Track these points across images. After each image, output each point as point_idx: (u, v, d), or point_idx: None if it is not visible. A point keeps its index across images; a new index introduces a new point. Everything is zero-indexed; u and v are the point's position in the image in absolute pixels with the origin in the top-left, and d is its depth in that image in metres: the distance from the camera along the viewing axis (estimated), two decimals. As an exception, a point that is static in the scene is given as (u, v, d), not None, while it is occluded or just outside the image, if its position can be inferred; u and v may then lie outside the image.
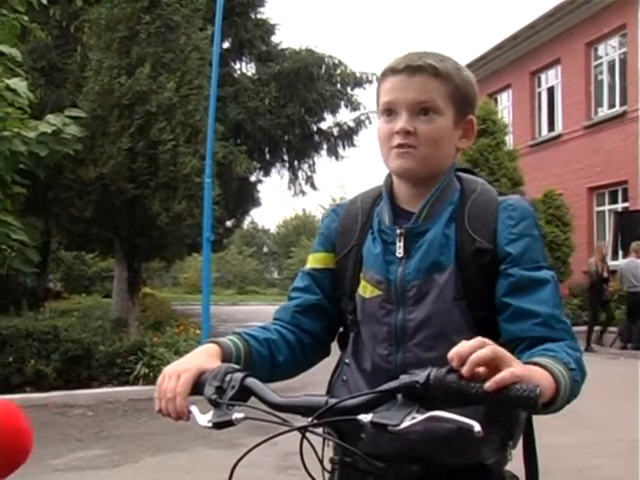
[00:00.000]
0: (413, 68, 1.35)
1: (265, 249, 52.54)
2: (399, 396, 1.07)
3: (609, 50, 18.09)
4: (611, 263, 15.86)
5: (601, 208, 18.11)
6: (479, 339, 1.05)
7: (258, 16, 17.26)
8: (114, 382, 8.36)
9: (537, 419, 1.40)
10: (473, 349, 1.02)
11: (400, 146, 1.35)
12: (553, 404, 1.14)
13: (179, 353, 8.76)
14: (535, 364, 1.14)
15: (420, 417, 1.03)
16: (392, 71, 1.39)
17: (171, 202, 9.29)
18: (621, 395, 8.15)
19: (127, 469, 5.31)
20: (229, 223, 18.74)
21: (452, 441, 1.23)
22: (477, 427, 0.98)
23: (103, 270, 24.47)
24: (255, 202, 19.24)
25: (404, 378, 1.07)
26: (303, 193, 18.98)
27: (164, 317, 13.09)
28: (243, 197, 17.09)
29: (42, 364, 8.00)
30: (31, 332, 8.23)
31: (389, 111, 1.38)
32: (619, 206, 17.23)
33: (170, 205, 9.28)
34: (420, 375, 1.05)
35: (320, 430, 1.13)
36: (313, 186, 18.87)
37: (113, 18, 9.52)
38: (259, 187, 18.90)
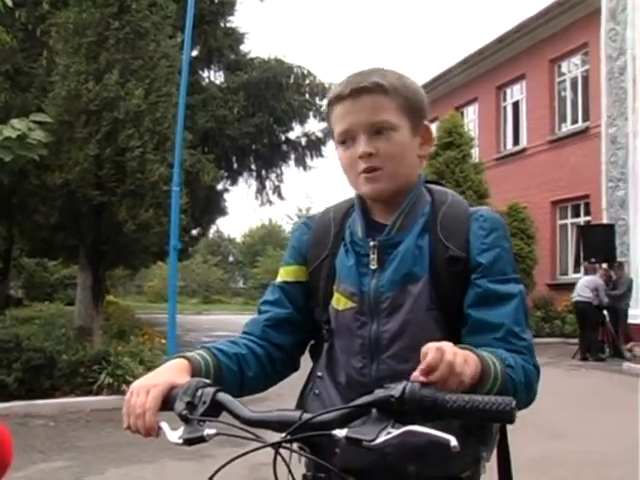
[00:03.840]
0: (358, 90, 1.35)
1: (230, 258, 52.34)
2: (374, 410, 1.06)
3: (572, 67, 18.49)
4: (572, 276, 16.16)
5: (564, 221, 18.45)
6: (432, 348, 1.06)
7: (227, 25, 17.28)
8: (77, 392, 8.20)
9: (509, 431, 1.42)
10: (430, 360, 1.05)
11: (367, 171, 1.36)
12: (480, 385, 1.14)
13: (144, 363, 8.66)
14: (467, 349, 1.14)
15: (395, 432, 1.02)
16: (338, 99, 1.39)
17: (138, 210, 9.20)
18: (586, 406, 8.29)
19: (90, 481, 5.22)
20: (195, 232, 18.63)
21: (426, 455, 1.24)
22: (453, 441, 0.98)
23: (66, 277, 24.05)
24: (221, 211, 19.17)
25: (379, 392, 1.06)
26: (270, 203, 19.03)
27: (128, 326, 12.92)
28: (210, 206, 17.01)
29: (3, 373, 7.82)
30: (-8, 340, 8.06)
31: (346, 138, 1.39)
32: (581, 220, 17.57)
33: (137, 213, 9.18)
34: (395, 389, 1.04)
35: (294, 446, 1.12)
36: (280, 196, 18.92)
37: (81, 23, 9.42)
38: (226, 196, 18.86)
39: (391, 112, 1.36)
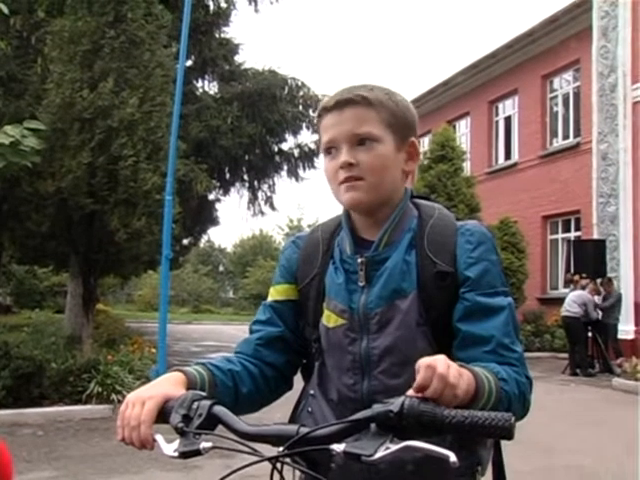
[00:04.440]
0: (342, 102, 1.37)
1: (221, 268, 52.18)
2: (372, 425, 1.06)
3: (563, 83, 18.63)
4: (563, 290, 16.21)
5: (554, 236, 18.52)
6: (423, 365, 1.06)
7: (222, 35, 17.30)
8: (66, 401, 8.13)
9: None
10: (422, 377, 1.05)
11: (347, 180, 1.36)
12: (475, 401, 1.14)
13: (134, 372, 8.61)
14: (462, 366, 1.14)
15: (394, 447, 1.02)
16: (325, 110, 1.41)
17: (130, 218, 9.18)
18: (576, 421, 8.29)
19: (77, 491, 5.18)
20: (186, 241, 18.60)
21: (422, 470, 1.24)
22: (453, 457, 0.98)
23: (55, 285, 23.94)
24: (213, 221, 19.14)
25: (377, 407, 1.06)
26: (262, 213, 18.99)
27: (118, 335, 12.86)
28: (201, 215, 16.99)
29: (-9, 381, 7.76)
30: (-20, 348, 7.99)
31: (330, 149, 1.40)
32: (572, 235, 17.65)
33: (129, 221, 9.17)
34: (394, 404, 1.04)
35: (290, 460, 1.11)
36: (272, 206, 18.90)
37: (77, 31, 9.43)
38: (217, 206, 18.84)
39: (375, 124, 1.37)
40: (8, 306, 21.00)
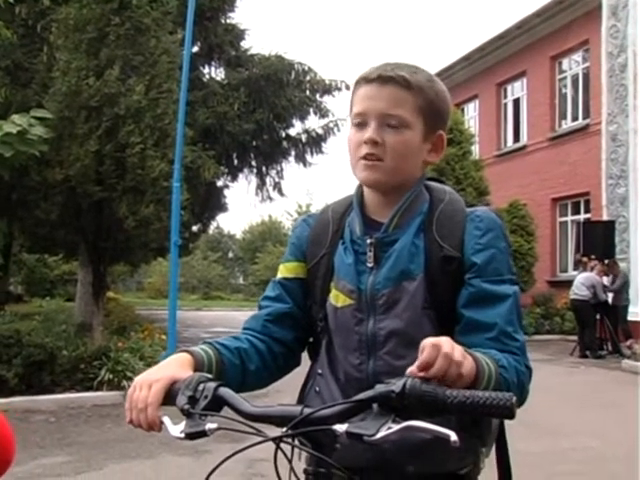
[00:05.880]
0: (385, 78, 1.36)
1: (230, 254, 52.28)
2: (375, 406, 1.06)
3: (572, 64, 18.47)
4: (572, 273, 16.16)
5: (564, 219, 18.45)
6: (428, 344, 1.07)
7: (228, 21, 17.25)
8: (77, 388, 8.22)
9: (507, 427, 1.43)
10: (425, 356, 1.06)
11: (367, 157, 1.36)
12: (475, 385, 1.14)
13: (144, 359, 8.67)
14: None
15: (396, 427, 1.03)
16: (365, 80, 1.39)
17: (138, 206, 9.21)
18: (585, 403, 8.30)
19: (91, 476, 5.23)
20: (195, 228, 18.63)
21: (424, 451, 1.25)
22: (453, 437, 0.98)
23: (66, 273, 24.08)
24: (222, 207, 19.17)
25: (380, 387, 1.06)
26: (270, 199, 19.00)
27: (128, 322, 12.95)
28: (210, 202, 17.01)
29: (3, 369, 7.83)
30: (-8, 336, 8.07)
31: (360, 120, 1.39)
32: (581, 217, 17.57)
33: (137, 209, 9.19)
34: (396, 384, 1.05)
35: (295, 440, 1.12)
36: (280, 192, 18.90)
37: (82, 19, 9.41)
38: (226, 192, 18.85)
39: (408, 109, 1.36)
40: (19, 295, 21.16)
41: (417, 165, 1.42)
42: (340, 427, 1.06)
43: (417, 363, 1.07)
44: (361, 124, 1.39)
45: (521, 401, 1.29)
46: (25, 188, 9.70)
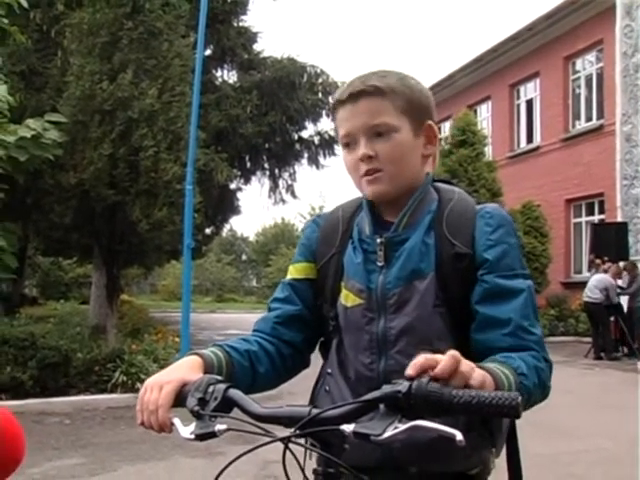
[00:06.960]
0: (355, 94, 1.37)
1: (244, 257, 52.42)
2: (381, 406, 1.07)
3: (586, 65, 18.37)
4: (586, 274, 16.07)
5: (578, 220, 18.34)
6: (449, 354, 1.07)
7: (240, 24, 17.29)
8: (92, 390, 8.27)
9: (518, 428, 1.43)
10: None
11: (368, 173, 1.38)
12: None
13: (158, 361, 8.71)
14: (480, 367, 1.13)
15: (402, 427, 1.03)
16: (339, 102, 1.41)
17: (152, 209, 9.25)
18: (599, 405, 8.25)
19: (105, 478, 5.26)
20: (208, 230, 18.68)
21: (435, 450, 1.25)
22: (459, 436, 0.99)
23: (80, 276, 24.23)
24: (235, 210, 19.20)
25: (386, 388, 1.07)
26: (283, 201, 19.02)
27: (142, 324, 13.02)
28: (223, 205, 17.06)
29: (18, 371, 7.90)
30: (7, 339, 8.12)
31: (348, 141, 1.41)
32: (595, 218, 17.47)
33: (151, 212, 9.24)
34: (402, 384, 1.05)
35: (303, 441, 1.13)
36: (293, 195, 18.92)
37: (95, 23, 9.48)
38: (239, 195, 18.90)
39: (390, 114, 1.37)
40: (34, 297, 21.28)
41: (417, 162, 1.43)
42: (347, 427, 1.06)
43: (436, 370, 1.07)
44: (350, 145, 1.40)
45: (544, 397, 1.29)
46: (39, 192, 9.77)
